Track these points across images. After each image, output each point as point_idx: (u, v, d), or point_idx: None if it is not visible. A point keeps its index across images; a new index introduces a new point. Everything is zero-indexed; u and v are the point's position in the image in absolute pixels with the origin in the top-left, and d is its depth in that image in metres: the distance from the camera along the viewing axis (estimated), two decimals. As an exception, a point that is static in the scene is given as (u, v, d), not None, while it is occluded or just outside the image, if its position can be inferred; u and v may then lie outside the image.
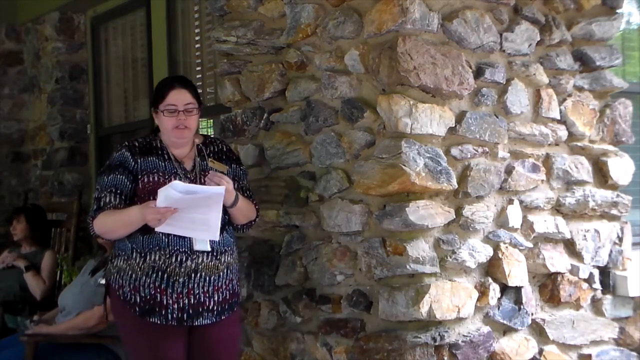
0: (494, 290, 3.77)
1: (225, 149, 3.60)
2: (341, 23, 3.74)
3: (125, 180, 3.34)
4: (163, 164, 3.39)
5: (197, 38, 5.58)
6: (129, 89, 6.40)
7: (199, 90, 5.51)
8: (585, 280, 4.11)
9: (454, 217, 3.66)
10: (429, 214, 3.56)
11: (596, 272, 4.17)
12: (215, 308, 3.35)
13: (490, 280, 3.77)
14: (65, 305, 4.42)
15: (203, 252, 3.32)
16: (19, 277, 5.26)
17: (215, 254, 3.35)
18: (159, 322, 3.27)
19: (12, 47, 7.16)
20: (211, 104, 5.40)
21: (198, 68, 5.57)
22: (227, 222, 3.44)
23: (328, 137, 3.82)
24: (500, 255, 3.78)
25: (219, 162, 3.50)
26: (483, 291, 3.74)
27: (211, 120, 5.63)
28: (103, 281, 3.53)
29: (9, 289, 5.27)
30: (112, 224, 3.30)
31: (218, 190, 3.22)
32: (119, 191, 3.32)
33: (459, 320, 3.67)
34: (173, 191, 3.13)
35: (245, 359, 4.25)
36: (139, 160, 3.36)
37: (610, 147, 4.28)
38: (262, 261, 4.08)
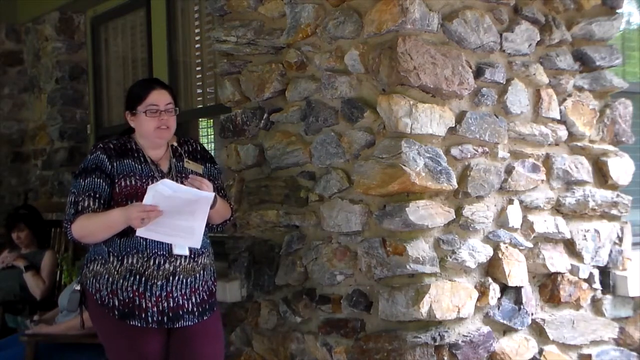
0: (494, 290, 3.77)
1: (199, 148, 3.54)
2: (341, 23, 3.74)
3: (103, 183, 3.27)
4: (140, 167, 3.33)
5: (197, 38, 5.58)
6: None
7: (199, 90, 5.56)
8: (585, 280, 4.11)
9: (454, 217, 3.66)
10: (429, 214, 3.56)
11: (596, 272, 4.17)
12: (194, 310, 3.33)
13: (490, 280, 3.77)
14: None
15: (181, 255, 3.28)
16: (19, 277, 5.26)
17: (192, 256, 3.33)
18: (139, 324, 3.25)
19: (12, 47, 7.15)
20: (211, 104, 5.40)
21: (198, 68, 5.57)
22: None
23: (328, 137, 3.82)
24: (500, 255, 3.79)
25: (194, 161, 3.46)
26: (483, 291, 3.74)
27: (211, 120, 5.63)
28: (78, 287, 3.45)
29: (9, 289, 5.26)
30: (92, 227, 3.24)
31: (208, 195, 3.18)
32: (97, 195, 3.26)
33: (459, 320, 3.67)
34: (164, 187, 3.08)
35: (245, 359, 4.25)
36: (114, 164, 3.30)
37: (610, 147, 4.28)
38: (262, 261, 4.08)
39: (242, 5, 4.18)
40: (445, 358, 3.62)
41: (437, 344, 3.59)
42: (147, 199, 3.10)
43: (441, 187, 3.60)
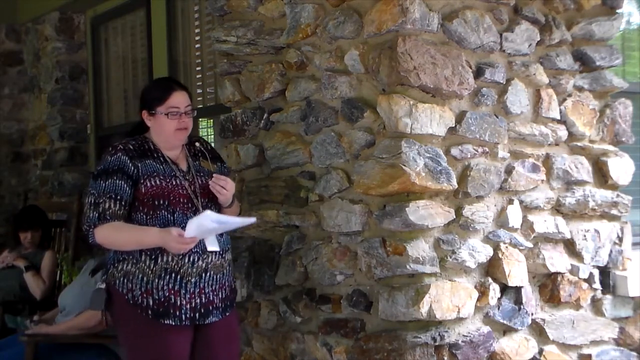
0: (494, 290, 3.77)
1: (209, 148, 3.58)
2: (341, 23, 3.74)
3: (125, 186, 3.26)
4: (161, 167, 3.34)
5: (197, 38, 5.59)
6: (129, 89, 6.41)
7: (199, 90, 5.56)
8: (585, 280, 4.11)
9: (454, 217, 3.66)
10: (429, 214, 3.56)
11: (596, 272, 4.17)
12: (220, 305, 3.37)
13: (490, 280, 3.77)
14: (65, 305, 4.42)
15: (213, 251, 3.33)
16: (19, 277, 5.26)
17: (221, 252, 3.38)
18: (173, 323, 3.26)
19: (12, 47, 7.16)
20: (211, 104, 5.40)
21: (198, 68, 5.58)
22: None
23: (328, 137, 3.82)
24: (500, 255, 3.78)
25: (205, 161, 3.48)
26: (483, 291, 3.74)
27: (211, 120, 5.63)
28: (103, 285, 3.45)
29: (9, 289, 5.26)
30: (122, 240, 3.25)
31: (249, 221, 3.30)
32: (118, 197, 3.25)
33: (459, 320, 3.67)
34: (207, 221, 3.12)
35: (245, 359, 4.25)
36: (138, 165, 3.30)
37: (610, 147, 4.28)
38: (262, 261, 4.08)
39: (242, 5, 4.18)
40: (445, 358, 3.62)
41: (437, 344, 3.59)
42: (190, 231, 3.13)
43: (441, 187, 3.60)
